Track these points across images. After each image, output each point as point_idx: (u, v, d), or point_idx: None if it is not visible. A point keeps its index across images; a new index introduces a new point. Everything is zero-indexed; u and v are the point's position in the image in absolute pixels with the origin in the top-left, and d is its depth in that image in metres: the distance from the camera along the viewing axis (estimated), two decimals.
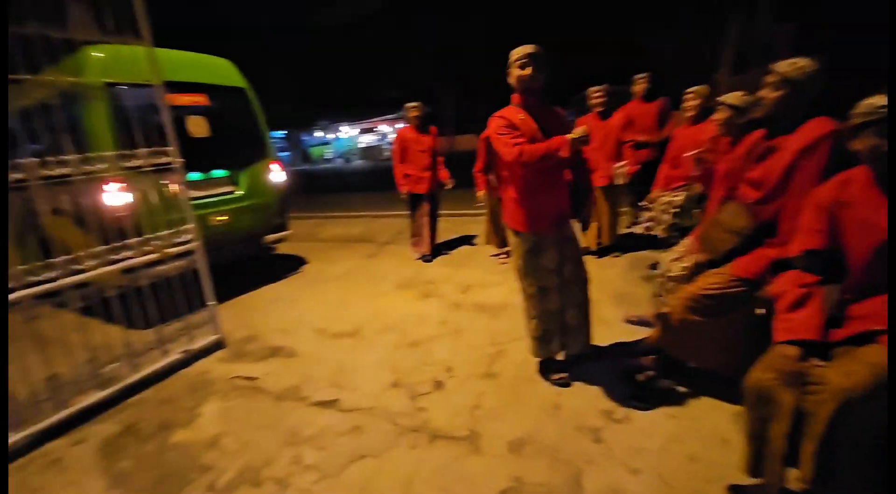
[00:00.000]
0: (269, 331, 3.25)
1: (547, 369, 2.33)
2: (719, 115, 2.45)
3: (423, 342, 2.88)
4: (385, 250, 5.29)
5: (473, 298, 3.53)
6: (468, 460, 1.83)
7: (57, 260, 2.26)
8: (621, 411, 2.04)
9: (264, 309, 3.70)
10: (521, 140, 1.93)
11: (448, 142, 26.45)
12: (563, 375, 2.27)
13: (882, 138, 1.24)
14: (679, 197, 3.18)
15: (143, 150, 2.66)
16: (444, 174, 4.50)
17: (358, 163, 27.37)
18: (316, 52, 24.79)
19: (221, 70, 4.13)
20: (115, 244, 2.53)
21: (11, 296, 2.08)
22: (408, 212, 4.67)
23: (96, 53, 3.14)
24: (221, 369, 2.77)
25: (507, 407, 2.15)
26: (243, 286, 4.25)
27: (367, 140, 28.80)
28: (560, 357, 2.37)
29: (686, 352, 2.07)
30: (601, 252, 4.17)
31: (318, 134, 28.88)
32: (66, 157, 2.33)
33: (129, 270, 2.58)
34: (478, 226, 5.44)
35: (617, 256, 4.12)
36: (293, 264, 4.99)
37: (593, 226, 4.13)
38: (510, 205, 2.16)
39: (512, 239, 2.21)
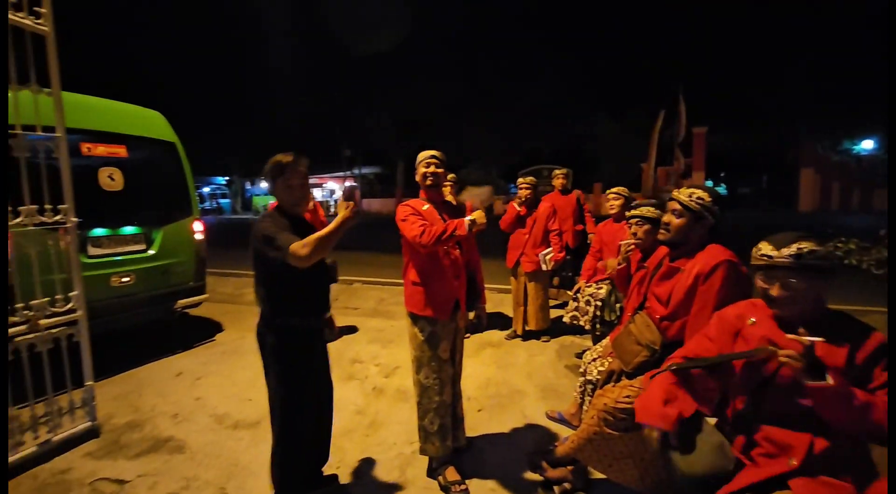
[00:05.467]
0: (159, 416, 2.84)
1: (441, 470, 2.19)
2: (635, 228, 2.47)
3: (335, 437, 2.59)
4: None
5: (398, 383, 3.32)
6: None
7: None
8: None
9: (159, 387, 3.27)
10: (425, 223, 2.04)
11: (397, 203, 27.12)
12: (463, 487, 2.11)
13: (765, 283, 1.28)
14: (602, 290, 3.28)
15: (28, 208, 2.35)
16: None
17: None
18: (275, 105, 24.98)
19: (147, 121, 3.94)
20: None
21: None
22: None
23: None
24: (86, 467, 2.34)
25: None
26: (142, 355, 3.79)
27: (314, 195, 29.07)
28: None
29: (602, 465, 2.00)
30: (526, 335, 4.16)
31: (265, 184, 28.49)
32: None
33: None
34: None
35: (546, 341, 4.10)
36: (207, 331, 4.57)
37: (520, 310, 4.14)
38: (409, 288, 2.20)
39: (409, 329, 2.23)
